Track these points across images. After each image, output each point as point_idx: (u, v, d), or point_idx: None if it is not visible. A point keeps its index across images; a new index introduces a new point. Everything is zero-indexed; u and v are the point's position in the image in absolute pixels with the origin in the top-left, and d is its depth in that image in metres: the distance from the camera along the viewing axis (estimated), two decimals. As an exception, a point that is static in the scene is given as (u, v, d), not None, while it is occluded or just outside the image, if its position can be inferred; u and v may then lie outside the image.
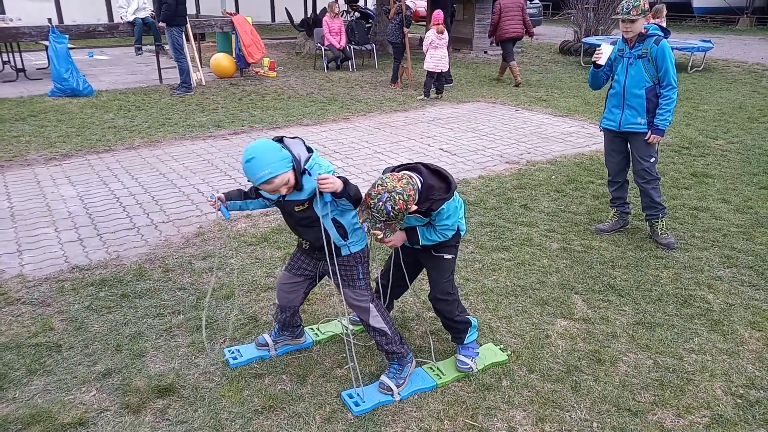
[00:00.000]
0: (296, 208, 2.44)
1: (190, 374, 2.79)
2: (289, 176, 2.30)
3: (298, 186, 2.36)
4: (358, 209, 2.45)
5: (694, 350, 3.01)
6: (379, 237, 2.43)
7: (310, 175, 2.35)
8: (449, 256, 2.74)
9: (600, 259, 3.95)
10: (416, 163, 2.58)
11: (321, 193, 2.32)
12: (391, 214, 2.32)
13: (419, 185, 2.44)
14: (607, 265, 3.88)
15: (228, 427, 2.46)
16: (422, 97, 9.36)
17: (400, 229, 2.60)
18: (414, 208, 2.41)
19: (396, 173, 2.41)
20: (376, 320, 2.63)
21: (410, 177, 2.42)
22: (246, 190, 2.67)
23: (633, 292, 3.55)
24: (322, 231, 2.44)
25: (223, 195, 2.61)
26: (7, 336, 3.07)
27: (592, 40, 13.41)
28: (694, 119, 7.95)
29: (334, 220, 2.47)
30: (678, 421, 2.52)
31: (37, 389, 2.68)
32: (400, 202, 2.31)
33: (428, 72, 9.21)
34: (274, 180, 2.25)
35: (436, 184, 2.48)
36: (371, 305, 2.63)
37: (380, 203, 2.31)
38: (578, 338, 3.10)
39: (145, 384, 2.71)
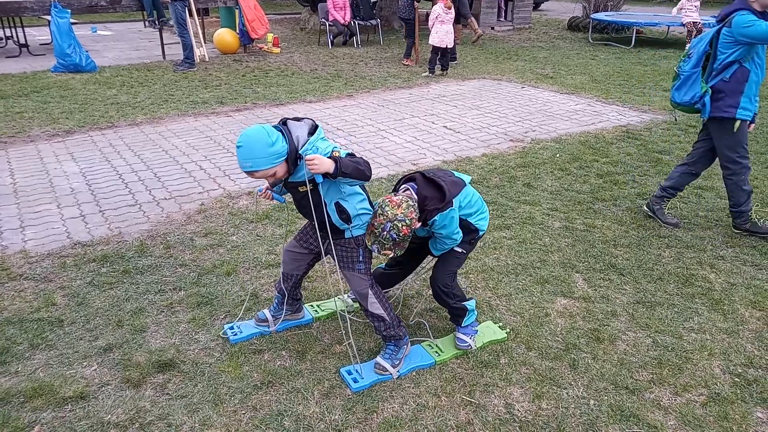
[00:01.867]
0: (300, 188, 2.42)
1: (190, 350, 2.82)
2: (275, 170, 2.30)
3: (289, 174, 2.37)
4: (366, 233, 2.53)
5: (693, 329, 3.00)
6: (390, 255, 2.55)
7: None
8: (460, 250, 2.73)
9: (602, 238, 3.93)
10: (416, 172, 2.63)
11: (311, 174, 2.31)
12: (398, 239, 2.44)
13: (415, 197, 2.51)
14: (609, 244, 3.86)
15: (227, 402, 2.49)
16: (427, 73, 9.26)
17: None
18: (418, 225, 2.51)
19: (394, 198, 2.47)
20: (375, 306, 2.63)
21: (409, 197, 2.49)
22: None
23: (634, 271, 3.54)
24: (324, 213, 2.44)
25: (267, 184, 2.64)
26: (10, 311, 3.10)
27: (601, 16, 13.20)
28: (703, 97, 7.83)
29: (337, 204, 2.45)
30: (675, 399, 2.53)
31: (40, 363, 2.71)
32: (404, 228, 2.42)
33: (433, 47, 9.09)
34: (254, 173, 2.29)
35: (429, 195, 2.52)
36: (369, 291, 2.62)
37: (384, 233, 2.41)
38: (578, 317, 3.10)
39: (146, 359, 2.73)
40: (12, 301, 3.19)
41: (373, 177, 4.97)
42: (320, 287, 3.36)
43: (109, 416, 2.41)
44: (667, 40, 13.10)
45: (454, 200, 2.55)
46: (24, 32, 10.81)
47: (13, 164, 5.25)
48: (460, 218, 2.62)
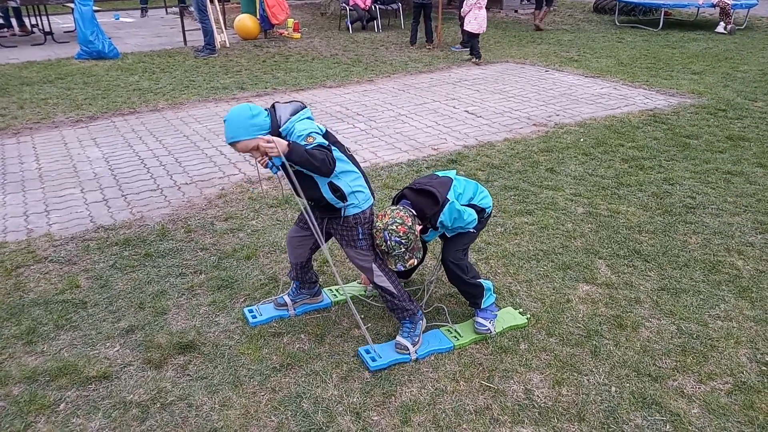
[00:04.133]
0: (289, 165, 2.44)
1: (210, 332, 2.84)
2: (257, 143, 2.34)
3: None
4: (386, 259, 2.62)
5: (719, 317, 2.93)
6: (414, 263, 2.62)
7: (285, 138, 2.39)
8: (471, 229, 2.75)
9: (626, 224, 3.85)
10: (404, 188, 2.74)
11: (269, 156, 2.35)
12: (403, 241, 2.49)
13: (410, 207, 2.60)
14: (633, 230, 3.78)
15: (246, 383, 2.51)
16: (475, 60, 9.02)
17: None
18: (418, 227, 2.57)
19: (380, 213, 2.57)
20: (381, 279, 2.66)
21: (393, 207, 2.59)
22: None
23: (659, 257, 3.46)
24: (312, 191, 2.49)
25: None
26: (35, 293, 3.16)
27: (627, -3, 12.86)
28: (733, 80, 7.62)
29: (330, 183, 2.46)
30: (699, 387, 2.48)
31: (64, 343, 2.76)
32: (400, 227, 2.49)
33: (470, 33, 8.93)
34: (236, 144, 2.36)
35: (424, 203, 2.62)
36: (373, 264, 2.65)
37: (388, 242, 2.49)
38: (600, 303, 3.05)
39: (167, 340, 2.77)
40: (37, 283, 3.25)
41: (393, 162, 4.96)
42: (339, 272, 3.36)
43: (131, 396, 2.44)
44: (696, 22, 12.73)
45: (448, 195, 2.62)
46: (49, 20, 10.95)
47: (38, 149, 5.34)
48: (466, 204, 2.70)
